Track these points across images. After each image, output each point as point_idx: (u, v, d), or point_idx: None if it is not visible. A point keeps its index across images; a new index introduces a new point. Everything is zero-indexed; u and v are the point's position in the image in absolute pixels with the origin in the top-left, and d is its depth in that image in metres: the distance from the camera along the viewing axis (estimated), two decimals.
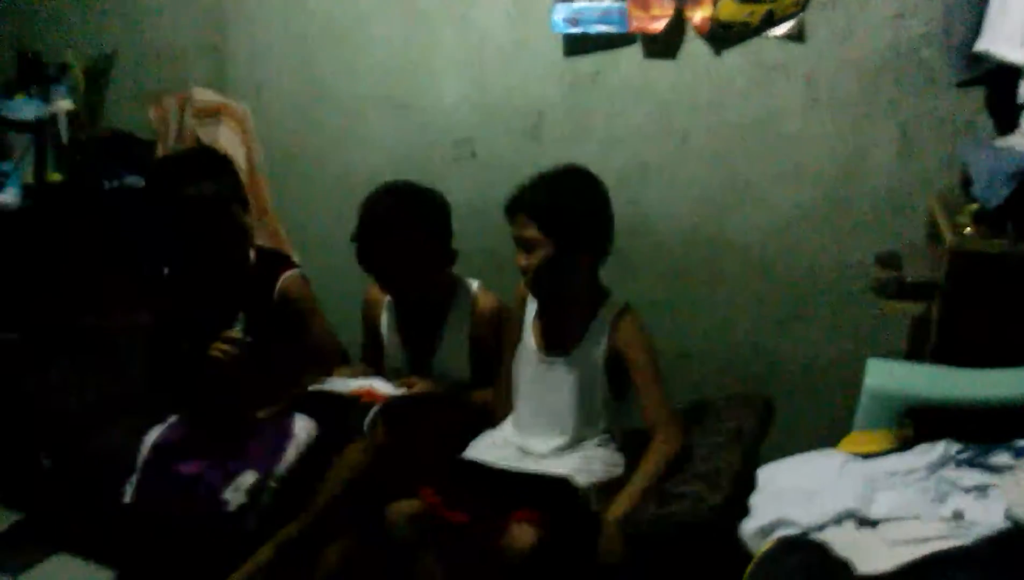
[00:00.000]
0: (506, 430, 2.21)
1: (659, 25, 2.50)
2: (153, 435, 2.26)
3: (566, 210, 2.00)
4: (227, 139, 2.86)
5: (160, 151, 3.00)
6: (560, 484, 1.94)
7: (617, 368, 2.08)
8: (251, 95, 3.03)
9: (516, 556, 1.86)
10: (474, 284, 2.37)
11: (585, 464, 2.05)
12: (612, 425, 2.13)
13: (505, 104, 2.78)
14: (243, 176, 2.85)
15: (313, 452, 2.22)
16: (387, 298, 2.39)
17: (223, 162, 2.36)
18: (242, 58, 3.11)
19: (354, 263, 2.83)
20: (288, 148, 3.06)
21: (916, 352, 2.17)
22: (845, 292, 2.49)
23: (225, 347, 2.20)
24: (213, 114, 2.90)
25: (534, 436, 2.13)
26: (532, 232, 2.00)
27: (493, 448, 2.15)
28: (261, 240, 2.93)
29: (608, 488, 2.01)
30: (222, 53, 3.13)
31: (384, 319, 2.41)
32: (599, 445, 2.11)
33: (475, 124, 2.84)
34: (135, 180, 2.96)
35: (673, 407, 2.09)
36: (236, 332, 2.23)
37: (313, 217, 2.97)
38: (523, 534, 1.86)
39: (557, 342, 2.12)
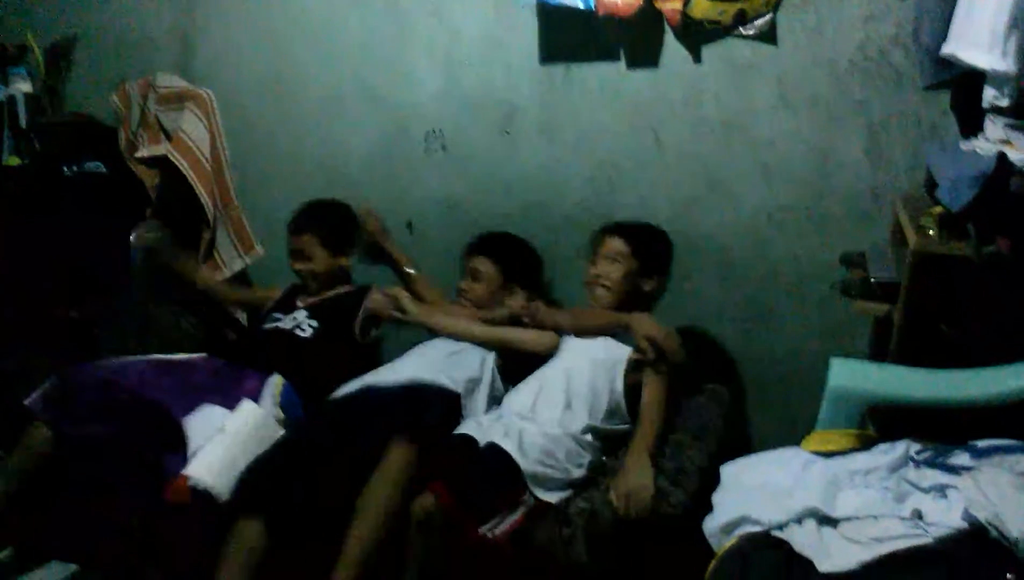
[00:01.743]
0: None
1: (629, 8, 2.44)
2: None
3: (655, 239, 2.46)
4: (191, 126, 2.80)
5: (123, 137, 2.93)
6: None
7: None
8: (218, 83, 2.96)
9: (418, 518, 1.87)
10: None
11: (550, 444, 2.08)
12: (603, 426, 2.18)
13: (478, 98, 2.76)
14: (207, 164, 2.81)
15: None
16: None
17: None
18: (209, 45, 3.05)
19: None
20: (255, 138, 3.01)
21: (879, 352, 2.19)
22: (812, 292, 2.51)
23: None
24: (177, 100, 2.84)
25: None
26: (621, 247, 2.38)
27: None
28: (224, 229, 2.91)
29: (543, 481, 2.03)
30: (189, 39, 3.07)
31: None
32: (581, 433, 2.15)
33: (447, 117, 2.81)
34: (96, 166, 2.89)
35: None
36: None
37: (280, 207, 2.92)
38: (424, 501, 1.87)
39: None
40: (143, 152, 2.87)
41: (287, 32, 2.95)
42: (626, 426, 2.21)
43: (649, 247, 2.42)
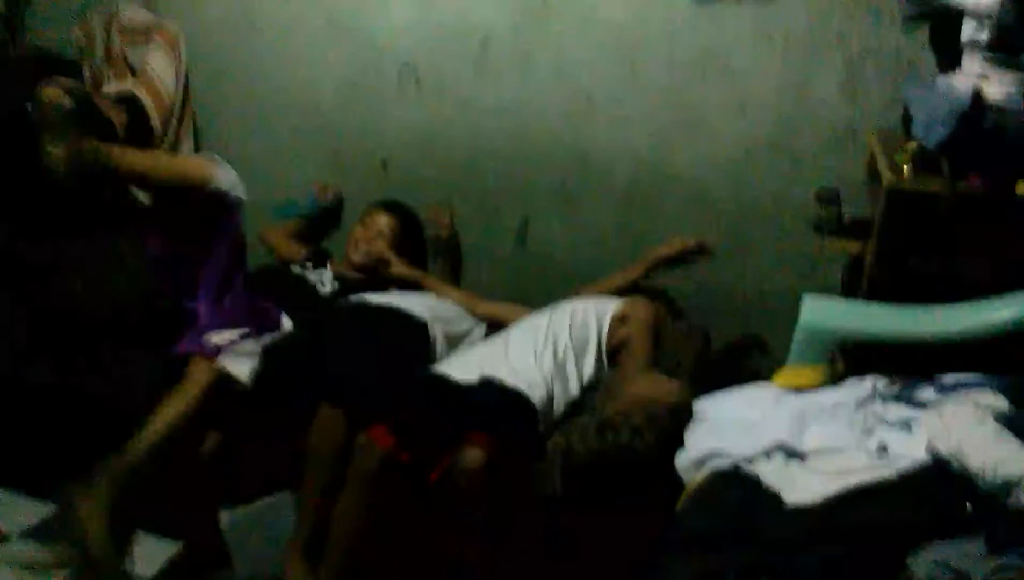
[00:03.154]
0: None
1: None
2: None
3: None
4: (158, 62, 2.73)
5: (87, 72, 2.84)
6: (514, 398, 2.01)
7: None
8: (180, 14, 2.87)
9: (464, 477, 1.90)
10: None
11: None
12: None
13: (450, 29, 2.69)
14: (176, 102, 2.75)
15: None
16: None
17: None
18: None
19: (292, 191, 2.80)
20: (219, 73, 2.93)
21: (852, 289, 2.21)
22: (787, 227, 2.51)
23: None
24: (143, 34, 2.75)
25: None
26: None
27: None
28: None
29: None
30: None
31: None
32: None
33: (419, 49, 2.74)
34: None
35: None
36: None
37: (246, 145, 2.87)
38: (473, 456, 1.90)
39: None
40: (109, 88, 2.78)
41: None
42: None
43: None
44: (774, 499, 1.54)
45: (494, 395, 2.07)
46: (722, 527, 1.54)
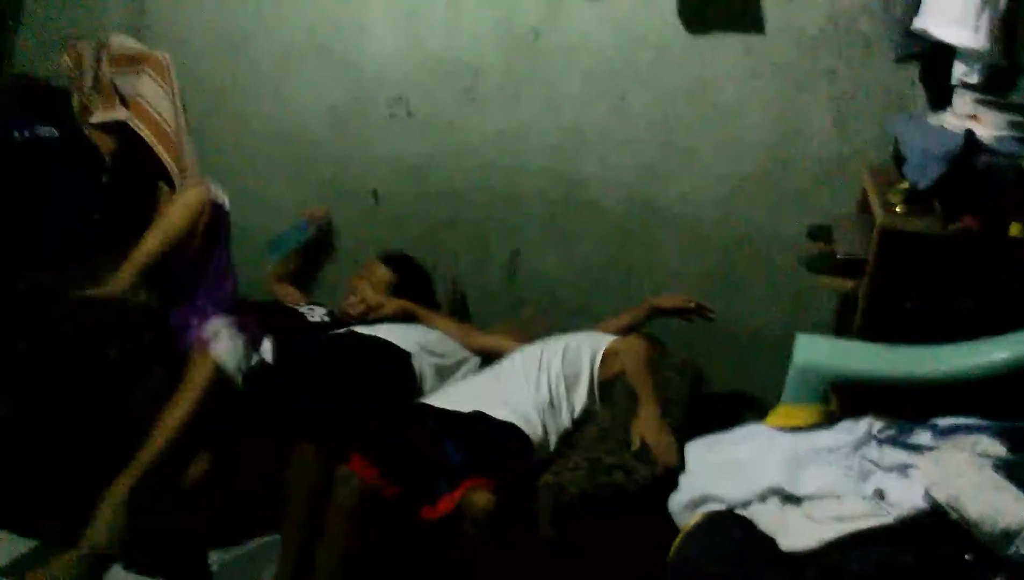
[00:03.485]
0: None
1: None
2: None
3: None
4: (150, 91, 2.72)
5: (76, 101, 2.82)
6: (510, 432, 2.00)
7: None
8: (170, 42, 2.86)
9: (475, 524, 1.87)
10: None
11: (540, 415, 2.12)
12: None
13: (441, 61, 2.69)
14: (169, 131, 2.73)
15: None
16: None
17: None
18: (161, 2, 2.92)
19: (282, 219, 2.77)
20: (209, 100, 2.92)
21: (844, 326, 2.20)
22: (778, 263, 2.51)
23: None
24: (132, 63, 2.74)
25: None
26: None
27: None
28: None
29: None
30: None
31: None
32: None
33: (410, 81, 2.74)
34: (48, 130, 2.77)
35: None
36: None
37: (236, 172, 2.85)
38: (479, 498, 1.87)
39: None
40: (99, 117, 2.77)
41: None
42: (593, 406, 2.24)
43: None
44: (769, 544, 1.51)
45: (488, 431, 2.05)
46: (717, 571, 1.52)
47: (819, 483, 1.59)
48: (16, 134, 2.72)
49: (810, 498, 1.57)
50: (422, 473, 1.98)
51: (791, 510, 1.58)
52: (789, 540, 1.50)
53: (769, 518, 1.56)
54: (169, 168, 2.75)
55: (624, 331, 2.42)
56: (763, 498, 1.60)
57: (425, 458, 1.99)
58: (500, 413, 2.08)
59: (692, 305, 2.45)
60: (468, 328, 2.60)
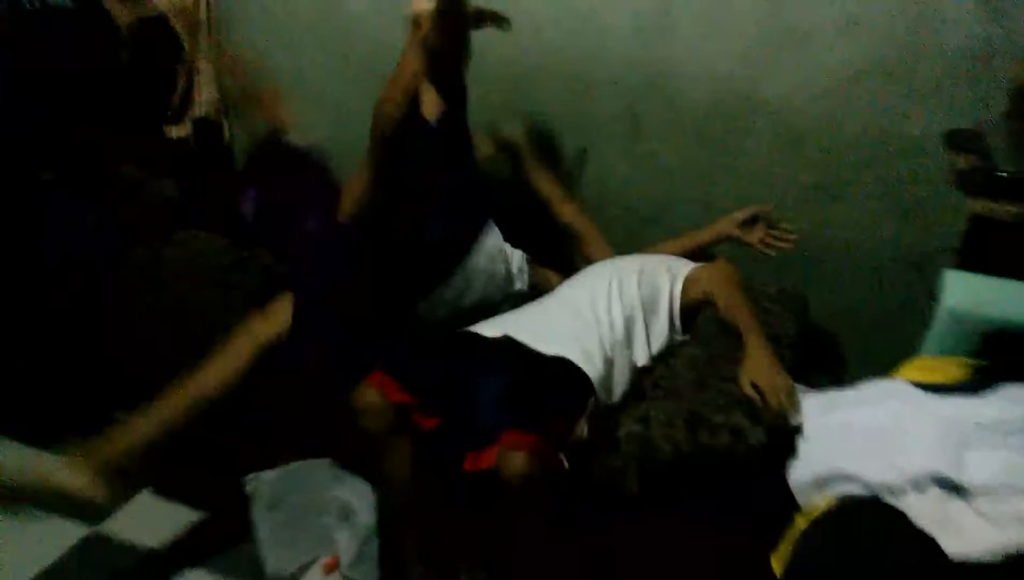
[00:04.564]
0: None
1: None
2: None
3: None
4: None
5: None
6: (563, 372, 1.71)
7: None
8: None
9: (510, 487, 1.58)
10: None
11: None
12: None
13: None
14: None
15: None
16: None
17: None
18: None
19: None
20: None
21: (975, 257, 1.82)
22: (896, 172, 2.14)
23: None
24: None
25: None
26: None
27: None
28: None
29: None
30: None
31: None
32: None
33: None
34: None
35: None
36: None
37: (273, 60, 2.51)
38: (513, 461, 1.56)
39: None
40: None
41: None
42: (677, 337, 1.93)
43: None
44: (931, 546, 1.24)
45: (539, 371, 1.74)
46: (859, 572, 1.25)
47: (992, 470, 1.30)
48: (25, 1, 2.41)
49: (983, 490, 1.28)
50: (459, 410, 1.73)
51: (955, 503, 1.29)
52: (958, 544, 1.23)
53: (929, 513, 1.28)
54: (182, 38, 2.54)
55: (689, 256, 2.10)
56: (919, 486, 1.31)
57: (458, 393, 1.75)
58: (552, 350, 1.76)
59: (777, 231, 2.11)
60: (566, 199, 2.33)
